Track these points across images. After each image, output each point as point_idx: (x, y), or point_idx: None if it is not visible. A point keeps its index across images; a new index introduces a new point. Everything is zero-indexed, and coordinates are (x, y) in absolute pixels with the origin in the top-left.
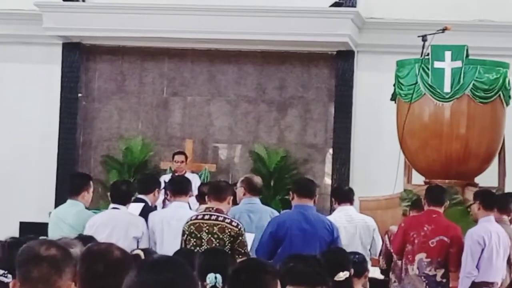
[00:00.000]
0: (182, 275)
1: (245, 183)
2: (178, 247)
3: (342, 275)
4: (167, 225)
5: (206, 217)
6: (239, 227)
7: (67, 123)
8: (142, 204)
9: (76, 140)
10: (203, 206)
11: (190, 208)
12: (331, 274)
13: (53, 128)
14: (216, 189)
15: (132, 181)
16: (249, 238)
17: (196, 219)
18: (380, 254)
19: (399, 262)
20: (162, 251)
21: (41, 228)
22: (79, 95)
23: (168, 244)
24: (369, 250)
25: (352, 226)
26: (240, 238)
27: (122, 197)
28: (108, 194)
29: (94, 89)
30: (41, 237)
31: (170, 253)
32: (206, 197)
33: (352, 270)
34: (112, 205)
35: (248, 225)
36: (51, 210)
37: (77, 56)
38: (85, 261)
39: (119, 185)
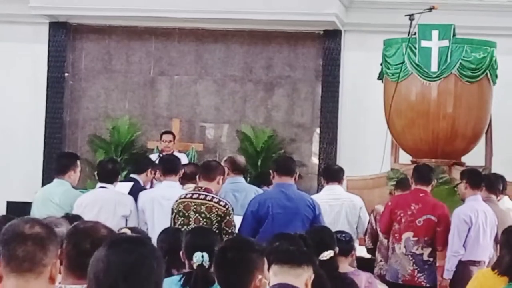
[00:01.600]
0: (151, 256)
1: (229, 163)
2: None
3: (326, 254)
4: (158, 205)
5: (195, 196)
6: (226, 206)
7: (53, 102)
8: (131, 184)
9: (63, 120)
10: (191, 185)
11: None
12: (316, 253)
13: (39, 107)
14: (206, 169)
15: (119, 160)
16: (238, 220)
17: (184, 198)
18: (365, 234)
19: (385, 241)
20: (153, 230)
21: (29, 207)
22: (66, 74)
23: (160, 223)
24: (356, 228)
25: (338, 205)
26: (228, 217)
27: (109, 176)
28: (95, 173)
29: (80, 68)
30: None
31: None
32: (194, 177)
33: (337, 249)
34: (99, 184)
35: (234, 204)
36: (38, 190)
37: (64, 36)
38: (72, 239)
39: (105, 164)
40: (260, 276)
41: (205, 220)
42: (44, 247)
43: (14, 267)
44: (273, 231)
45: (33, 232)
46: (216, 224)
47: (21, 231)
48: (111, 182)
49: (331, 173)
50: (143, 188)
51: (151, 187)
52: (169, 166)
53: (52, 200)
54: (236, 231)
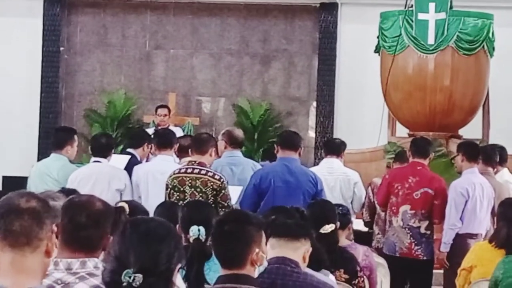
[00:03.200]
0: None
1: (226, 136)
2: (163, 201)
3: (327, 228)
4: (152, 179)
5: (189, 170)
6: (221, 180)
7: (49, 77)
8: (128, 157)
9: (58, 94)
10: (186, 159)
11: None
12: (316, 227)
13: (35, 82)
14: (197, 142)
15: (115, 135)
16: (237, 191)
17: (179, 172)
18: (363, 207)
19: (383, 214)
20: (147, 204)
21: (24, 182)
22: (61, 48)
23: (154, 197)
24: (351, 203)
25: (333, 179)
26: (223, 191)
27: (102, 150)
28: (89, 147)
29: (76, 42)
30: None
31: (156, 206)
32: (189, 150)
33: (338, 223)
34: (93, 159)
35: (230, 178)
36: (34, 164)
37: (59, 9)
38: (67, 212)
39: (99, 138)
40: (257, 250)
41: (200, 194)
42: (40, 221)
43: (10, 241)
44: (274, 205)
45: (29, 206)
46: (212, 198)
47: (17, 205)
48: (105, 157)
49: (330, 146)
50: (139, 163)
51: (147, 161)
52: (163, 140)
53: (50, 175)
54: (232, 203)
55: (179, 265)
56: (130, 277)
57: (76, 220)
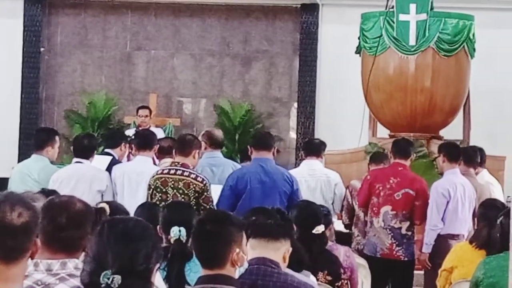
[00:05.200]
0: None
1: (206, 137)
2: (138, 201)
3: (319, 229)
4: (127, 179)
5: (172, 171)
6: (204, 182)
7: (29, 77)
8: (110, 158)
9: (39, 95)
10: (166, 160)
11: (155, 163)
12: (307, 228)
13: (15, 83)
14: (181, 143)
15: (96, 136)
16: (217, 190)
17: (162, 173)
18: (342, 209)
19: (362, 216)
20: (123, 203)
21: (5, 183)
22: (42, 49)
23: (129, 197)
24: (332, 204)
25: (314, 180)
26: (205, 193)
27: (84, 151)
28: (72, 148)
29: (56, 43)
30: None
31: (130, 206)
32: (169, 151)
33: None
34: (75, 159)
35: (211, 179)
36: (14, 165)
37: (39, 10)
38: (47, 213)
39: (81, 139)
40: (237, 250)
41: (183, 196)
42: (31, 235)
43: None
44: (250, 205)
45: (23, 222)
46: (194, 200)
47: (10, 220)
48: (87, 158)
49: (310, 147)
50: (119, 162)
51: (128, 161)
52: (143, 141)
53: (31, 176)
54: (214, 203)
55: (158, 265)
56: (108, 278)
57: (57, 221)
